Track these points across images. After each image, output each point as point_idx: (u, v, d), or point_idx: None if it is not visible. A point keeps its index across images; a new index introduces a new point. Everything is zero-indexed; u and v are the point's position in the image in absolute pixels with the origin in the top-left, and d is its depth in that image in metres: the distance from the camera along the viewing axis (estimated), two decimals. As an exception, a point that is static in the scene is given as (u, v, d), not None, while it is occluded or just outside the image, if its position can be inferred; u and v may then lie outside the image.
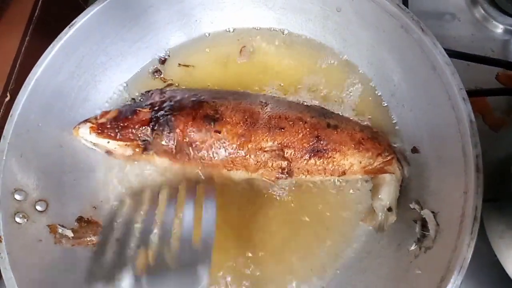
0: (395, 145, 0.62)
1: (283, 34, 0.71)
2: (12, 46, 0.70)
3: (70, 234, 0.60)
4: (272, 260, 0.60)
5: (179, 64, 0.71)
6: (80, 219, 0.62)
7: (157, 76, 0.69)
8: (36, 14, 0.77)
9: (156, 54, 0.71)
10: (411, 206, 0.56)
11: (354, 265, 0.59)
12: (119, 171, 0.66)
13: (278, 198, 0.63)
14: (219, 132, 0.58)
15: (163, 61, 0.71)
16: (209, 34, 0.72)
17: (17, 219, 0.56)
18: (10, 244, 0.53)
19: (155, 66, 0.71)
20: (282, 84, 0.68)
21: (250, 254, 0.61)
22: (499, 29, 0.79)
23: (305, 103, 0.65)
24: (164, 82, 0.70)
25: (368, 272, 0.57)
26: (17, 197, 0.57)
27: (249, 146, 0.58)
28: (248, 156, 0.58)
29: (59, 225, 0.60)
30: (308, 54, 0.69)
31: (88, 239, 0.62)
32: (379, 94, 0.66)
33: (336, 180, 0.62)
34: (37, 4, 0.77)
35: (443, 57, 0.53)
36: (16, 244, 0.54)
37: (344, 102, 0.66)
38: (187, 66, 0.70)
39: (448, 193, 0.52)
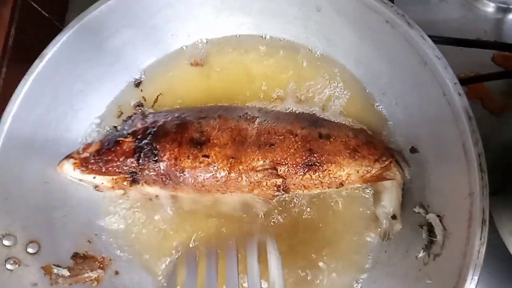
0: (392, 147, 0.59)
1: (264, 40, 0.68)
2: (-13, 80, 0.67)
3: (66, 273, 0.58)
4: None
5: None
6: (75, 256, 0.60)
7: (140, 109, 0.66)
8: (9, 43, 0.74)
9: (134, 75, 0.68)
10: (416, 210, 0.54)
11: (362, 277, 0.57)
12: (112, 201, 0.64)
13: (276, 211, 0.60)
14: (208, 157, 0.55)
15: (138, 83, 0.68)
16: (186, 47, 0.69)
17: (8, 266, 0.54)
18: (3, 293, 0.51)
19: (137, 100, 0.67)
20: (267, 92, 0.65)
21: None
22: (491, 7, 0.75)
23: (294, 111, 0.62)
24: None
25: (378, 283, 0.55)
26: (6, 242, 0.54)
27: (240, 167, 0.55)
28: (240, 178, 0.56)
29: (54, 265, 0.57)
30: (292, 58, 0.66)
31: (86, 275, 0.60)
32: (369, 93, 0.63)
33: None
34: (9, 32, 0.74)
35: (433, 51, 0.50)
36: (10, 292, 0.52)
37: (333, 105, 0.63)
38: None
39: (452, 194, 0.50)
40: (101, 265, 0.61)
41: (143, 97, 0.67)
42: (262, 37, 0.68)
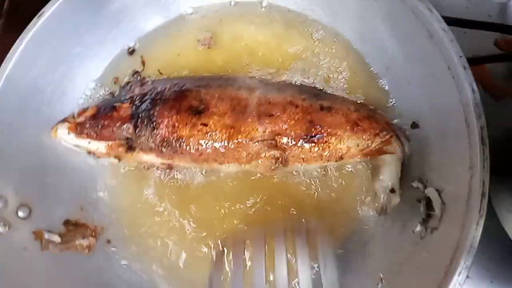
0: (393, 122, 0.58)
1: (268, 9, 0.67)
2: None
3: (57, 239, 0.57)
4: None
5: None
6: (67, 222, 0.59)
7: (137, 77, 0.64)
8: (5, 6, 0.72)
9: (131, 42, 0.67)
10: (414, 185, 0.54)
11: (358, 249, 0.57)
12: (106, 170, 0.62)
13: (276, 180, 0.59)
14: (206, 125, 0.54)
15: (132, 51, 0.66)
16: (188, 15, 0.67)
17: (-2, 228, 0.52)
18: (-8, 255, 0.50)
19: (135, 68, 0.65)
20: (269, 63, 0.64)
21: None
22: (495, -9, 0.74)
23: (296, 83, 0.61)
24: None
25: (372, 257, 0.55)
26: (-4, 204, 0.53)
27: (239, 137, 0.54)
28: (238, 148, 0.55)
29: (45, 230, 0.56)
30: (296, 30, 0.65)
31: (78, 242, 0.59)
32: (372, 68, 0.62)
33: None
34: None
35: (440, 24, 0.50)
36: (-1, 254, 0.51)
37: (336, 79, 0.63)
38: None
39: (452, 169, 0.49)
40: (93, 233, 0.60)
41: (142, 61, 0.66)
42: (266, 7, 0.67)
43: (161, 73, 0.64)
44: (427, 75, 0.53)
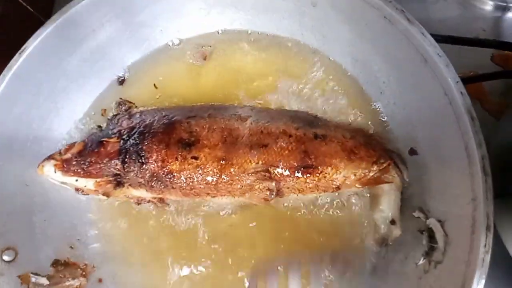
0: (390, 149, 0.57)
1: (257, 36, 0.65)
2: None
3: (45, 282, 0.55)
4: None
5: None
6: (56, 263, 0.57)
7: (125, 108, 0.62)
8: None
9: (118, 72, 0.65)
10: (415, 214, 0.52)
11: (357, 282, 0.55)
12: (96, 205, 0.61)
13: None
14: (197, 158, 0.53)
15: (122, 81, 0.65)
16: (175, 44, 0.66)
17: (-20, 275, 0.50)
18: (-26, 307, 0.48)
19: (122, 99, 0.64)
20: (260, 90, 0.62)
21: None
22: (489, 5, 0.73)
23: (288, 110, 0.60)
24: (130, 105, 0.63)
25: (375, 292, 0.53)
26: (-22, 250, 0.51)
27: (232, 170, 0.53)
28: (231, 180, 0.53)
29: (32, 273, 0.54)
30: (286, 55, 0.64)
31: (67, 283, 0.57)
32: (367, 93, 0.61)
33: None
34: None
35: (434, 48, 0.48)
36: (-18, 305, 0.48)
37: (329, 105, 0.61)
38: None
39: (453, 198, 0.47)
40: (84, 273, 0.58)
41: (130, 96, 0.64)
42: (255, 33, 0.66)
43: (145, 103, 0.63)
44: (423, 100, 0.51)
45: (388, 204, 0.53)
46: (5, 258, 0.53)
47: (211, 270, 0.56)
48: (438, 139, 0.50)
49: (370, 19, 0.53)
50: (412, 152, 0.55)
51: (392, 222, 0.52)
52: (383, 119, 0.59)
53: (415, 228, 0.51)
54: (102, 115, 0.63)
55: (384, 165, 0.53)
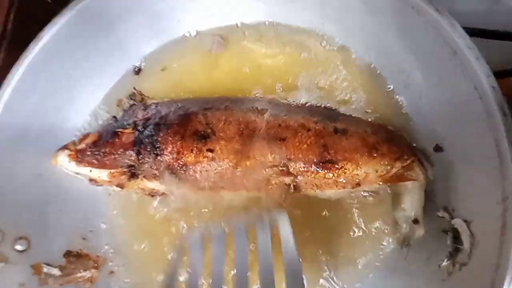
0: (414, 145, 0.54)
1: (277, 27, 0.63)
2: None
3: (57, 272, 0.55)
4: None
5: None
6: (68, 254, 0.57)
7: (140, 99, 0.61)
8: (8, 27, 0.70)
9: (135, 62, 0.64)
10: (439, 214, 0.49)
11: (377, 283, 0.53)
12: (109, 195, 0.60)
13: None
14: (212, 151, 0.51)
15: (138, 71, 0.64)
16: (193, 35, 0.65)
17: (-7, 264, 0.50)
18: (-15, 294, 0.47)
19: (138, 90, 0.63)
20: (278, 84, 0.60)
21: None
22: (519, -2, 0.70)
23: (307, 104, 0.58)
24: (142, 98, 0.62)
25: (393, 292, 0.51)
26: (-9, 238, 0.51)
27: (248, 163, 0.51)
28: (247, 174, 0.51)
29: (44, 263, 0.54)
30: (306, 47, 0.62)
31: (79, 275, 0.56)
32: (390, 87, 0.58)
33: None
34: (9, 15, 0.70)
35: (464, 40, 0.46)
36: (-7, 293, 0.48)
37: (350, 99, 0.59)
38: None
39: (481, 198, 0.45)
40: (96, 265, 0.57)
41: (144, 88, 0.63)
42: (274, 24, 0.64)
43: (160, 95, 0.62)
44: (451, 95, 0.49)
45: (411, 202, 0.51)
46: (18, 247, 0.53)
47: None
48: (466, 135, 0.48)
49: (395, 10, 0.51)
50: (438, 148, 0.52)
51: (415, 221, 0.50)
52: (407, 114, 0.57)
53: (439, 228, 0.49)
54: (117, 105, 0.62)
55: (408, 161, 0.51)
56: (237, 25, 0.64)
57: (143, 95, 0.62)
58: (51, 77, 0.57)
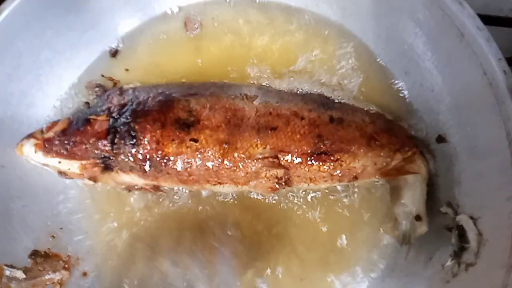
0: (415, 135, 0.52)
1: (266, 6, 0.60)
2: None
3: (21, 275, 0.51)
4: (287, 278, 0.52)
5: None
6: (34, 254, 0.53)
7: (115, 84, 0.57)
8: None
9: (111, 43, 0.60)
10: (442, 210, 0.47)
11: (374, 285, 0.50)
12: (82, 189, 0.56)
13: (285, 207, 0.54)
14: (196, 141, 0.48)
15: (114, 53, 0.60)
16: (174, 12, 0.60)
17: None
18: None
19: (114, 73, 0.58)
20: (268, 68, 0.57)
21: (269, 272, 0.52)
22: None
23: (300, 91, 0.54)
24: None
25: (393, 295, 0.48)
26: None
27: (235, 154, 0.48)
28: (235, 167, 0.48)
29: (6, 265, 0.50)
30: (299, 29, 0.59)
31: (47, 277, 0.53)
32: (389, 73, 0.56)
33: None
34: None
35: (473, 20, 0.43)
36: None
37: (347, 85, 0.56)
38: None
39: (489, 193, 0.43)
40: (66, 265, 0.54)
41: (125, 69, 0.59)
42: (264, 2, 0.60)
43: (139, 79, 0.58)
44: (456, 80, 0.47)
45: (412, 197, 0.48)
46: (-24, 249, 0.48)
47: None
48: (473, 125, 0.45)
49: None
50: (441, 139, 0.50)
51: (417, 218, 0.47)
52: (407, 102, 0.54)
53: (442, 224, 0.47)
54: (90, 91, 0.57)
55: (409, 153, 0.49)
56: (224, 1, 0.60)
57: (114, 80, 0.58)
58: (14, 59, 0.53)
